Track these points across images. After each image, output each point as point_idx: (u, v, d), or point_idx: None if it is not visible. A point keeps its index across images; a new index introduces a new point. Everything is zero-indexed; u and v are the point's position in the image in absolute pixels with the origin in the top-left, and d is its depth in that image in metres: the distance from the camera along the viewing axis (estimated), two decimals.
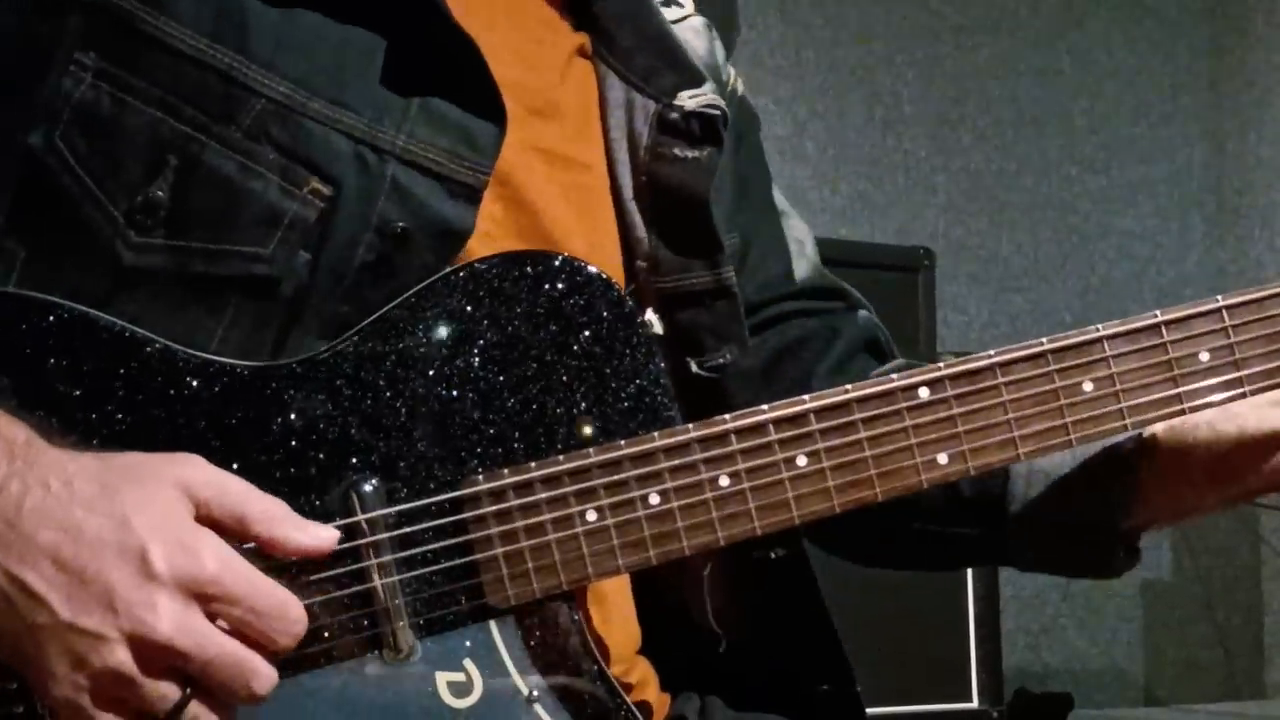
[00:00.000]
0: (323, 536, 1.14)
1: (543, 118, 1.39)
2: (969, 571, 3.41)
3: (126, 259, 1.20)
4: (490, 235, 1.30)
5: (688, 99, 1.42)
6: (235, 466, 1.15)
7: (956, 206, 4.57)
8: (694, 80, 1.45)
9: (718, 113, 1.43)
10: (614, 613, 1.37)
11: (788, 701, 1.43)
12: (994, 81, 4.64)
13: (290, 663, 1.13)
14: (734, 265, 1.44)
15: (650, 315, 1.29)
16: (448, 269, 1.23)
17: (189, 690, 1.06)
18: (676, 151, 1.41)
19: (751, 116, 1.61)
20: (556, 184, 1.37)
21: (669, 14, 1.51)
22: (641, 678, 1.41)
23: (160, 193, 1.21)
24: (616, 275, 1.40)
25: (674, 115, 1.42)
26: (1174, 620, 4.72)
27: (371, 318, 1.21)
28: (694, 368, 1.40)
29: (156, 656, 1.05)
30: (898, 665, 3.27)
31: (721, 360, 1.41)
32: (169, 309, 1.20)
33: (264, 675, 1.08)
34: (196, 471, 1.10)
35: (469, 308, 1.21)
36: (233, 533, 1.10)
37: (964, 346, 4.24)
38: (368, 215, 1.23)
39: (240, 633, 1.08)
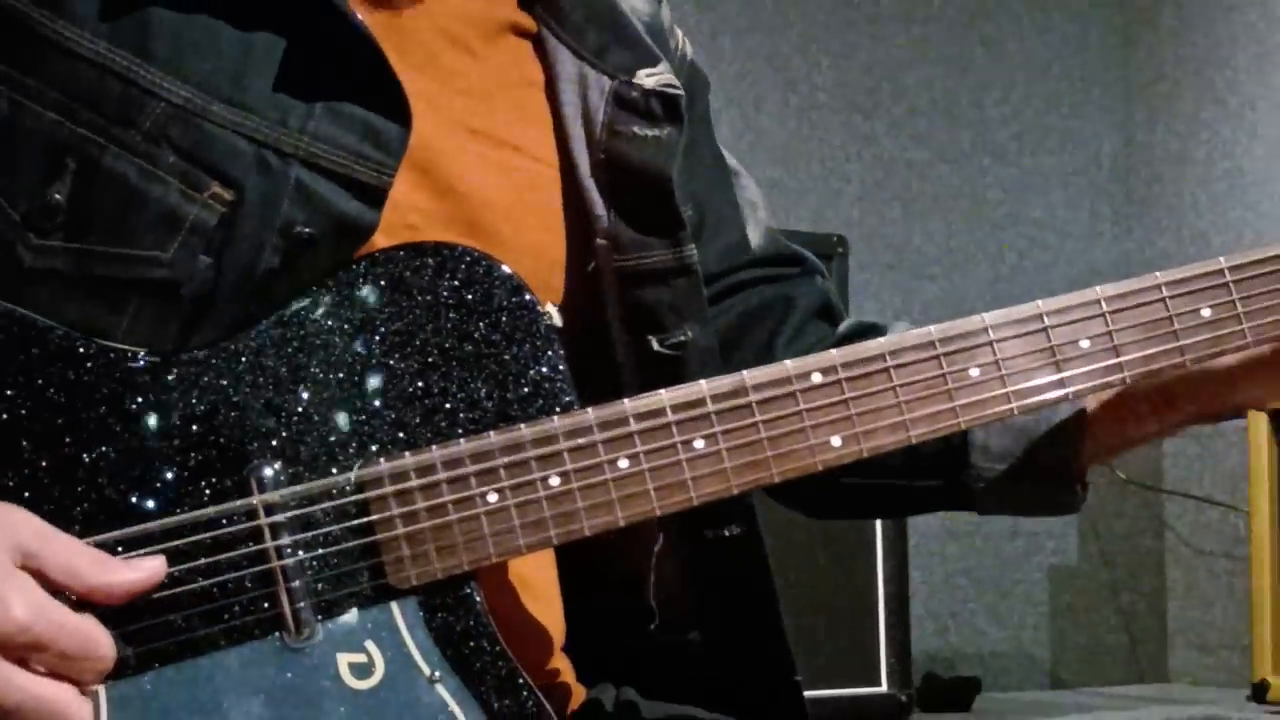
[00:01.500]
0: (150, 567, 1.13)
1: (475, 98, 1.37)
2: (879, 557, 3.45)
3: (27, 261, 1.19)
4: (417, 229, 1.28)
5: (646, 77, 1.40)
6: (136, 452, 1.15)
7: (870, 195, 4.60)
8: (650, 59, 1.42)
9: (679, 93, 1.41)
10: (537, 602, 1.38)
11: (723, 690, 1.43)
12: (907, 71, 4.68)
13: (190, 644, 1.14)
14: (693, 238, 1.42)
15: (550, 307, 1.29)
16: (351, 260, 1.22)
17: None
18: (636, 130, 1.39)
19: (702, 80, 1.59)
20: (492, 165, 1.35)
21: None
22: (560, 668, 1.41)
23: (59, 196, 1.19)
24: (561, 256, 1.39)
25: (634, 93, 1.39)
26: (1080, 605, 4.78)
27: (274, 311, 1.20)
28: (655, 345, 1.39)
29: None
30: (808, 649, 3.29)
31: (683, 338, 1.39)
32: (73, 308, 1.19)
33: (73, 715, 1.08)
34: (25, 521, 1.10)
35: (370, 297, 1.21)
36: (58, 582, 1.09)
37: None
38: (271, 218, 1.22)
39: (53, 673, 1.08)
